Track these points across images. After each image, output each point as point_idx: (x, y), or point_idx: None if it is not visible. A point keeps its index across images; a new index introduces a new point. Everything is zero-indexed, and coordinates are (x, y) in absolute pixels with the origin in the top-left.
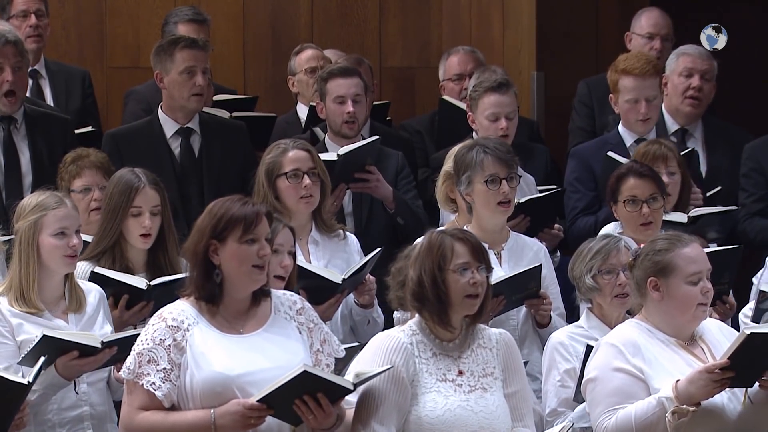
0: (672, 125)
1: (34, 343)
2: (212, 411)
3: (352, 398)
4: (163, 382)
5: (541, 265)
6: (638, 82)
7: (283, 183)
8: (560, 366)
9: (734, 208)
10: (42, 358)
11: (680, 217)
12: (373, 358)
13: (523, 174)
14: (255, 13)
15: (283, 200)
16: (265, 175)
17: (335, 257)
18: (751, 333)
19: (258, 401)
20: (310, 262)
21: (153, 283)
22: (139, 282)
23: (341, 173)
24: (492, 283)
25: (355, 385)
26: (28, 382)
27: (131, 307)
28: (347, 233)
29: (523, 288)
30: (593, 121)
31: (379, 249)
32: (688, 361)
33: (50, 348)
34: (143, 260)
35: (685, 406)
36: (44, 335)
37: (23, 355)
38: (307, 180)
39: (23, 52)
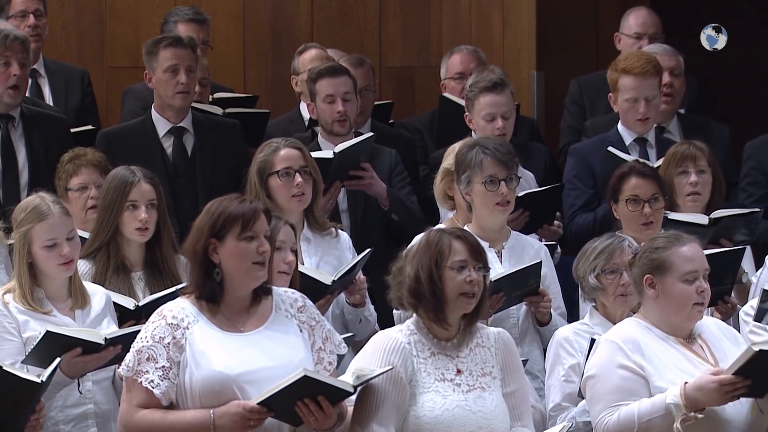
0: None
1: (38, 340)
2: (212, 411)
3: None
4: (162, 380)
5: (540, 261)
6: (638, 81)
7: (274, 181)
8: (565, 361)
9: (757, 210)
10: (58, 359)
11: (701, 219)
12: (371, 358)
13: (523, 172)
14: (255, 13)
15: (275, 198)
16: (257, 174)
17: (327, 255)
18: (760, 350)
19: (258, 404)
20: (302, 260)
21: (141, 303)
22: (127, 302)
23: (337, 171)
24: (492, 280)
25: (355, 387)
26: (42, 381)
27: (122, 324)
28: (339, 231)
29: (523, 285)
30: (584, 120)
31: (369, 249)
32: (688, 357)
33: (54, 344)
34: (140, 257)
35: (693, 414)
36: (48, 331)
37: (28, 353)
38: (298, 178)
39: (29, 49)
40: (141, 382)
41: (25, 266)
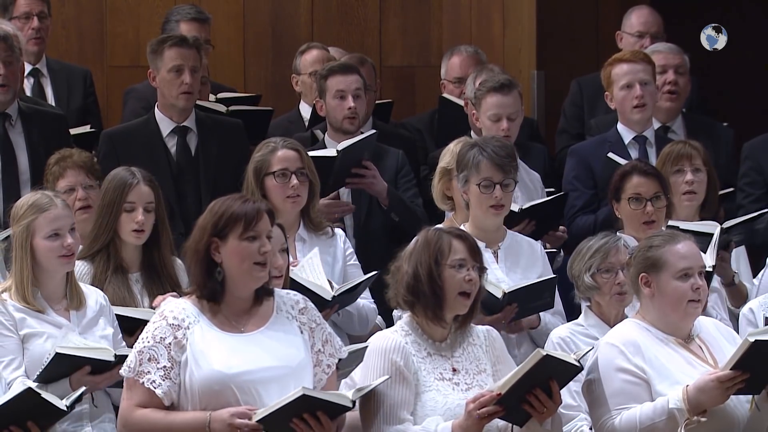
0: (653, 123)
1: (48, 362)
2: (209, 414)
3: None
4: (163, 380)
5: (555, 277)
6: (630, 66)
7: (270, 182)
8: None
9: (766, 211)
10: (82, 388)
11: (713, 228)
12: (369, 358)
13: (529, 173)
14: (255, 12)
15: (270, 199)
16: (254, 173)
17: (322, 253)
18: (755, 341)
19: (256, 421)
20: (297, 259)
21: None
22: (146, 315)
23: (340, 169)
24: (507, 291)
25: (354, 402)
26: (66, 407)
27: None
28: (334, 229)
29: (537, 297)
30: (582, 123)
31: (374, 273)
32: (688, 359)
33: (63, 365)
34: (138, 259)
35: (696, 417)
36: (57, 353)
37: (38, 373)
38: (294, 180)
39: (13, 46)
40: (143, 382)
41: (28, 259)
